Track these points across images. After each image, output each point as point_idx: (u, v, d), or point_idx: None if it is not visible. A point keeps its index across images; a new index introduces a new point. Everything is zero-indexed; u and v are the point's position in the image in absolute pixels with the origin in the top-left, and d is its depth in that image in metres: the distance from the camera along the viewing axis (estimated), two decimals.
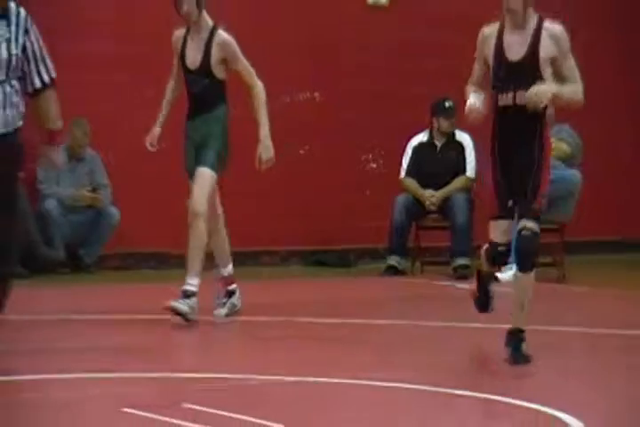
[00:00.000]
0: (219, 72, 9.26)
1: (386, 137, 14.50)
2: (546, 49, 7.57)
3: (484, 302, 8.26)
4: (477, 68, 7.84)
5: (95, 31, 14.13)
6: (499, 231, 7.66)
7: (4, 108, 7.15)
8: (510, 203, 7.62)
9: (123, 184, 13.88)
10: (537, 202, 7.63)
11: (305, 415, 6.64)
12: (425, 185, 13.65)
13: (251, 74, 9.34)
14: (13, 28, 7.14)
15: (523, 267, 7.76)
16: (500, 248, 7.66)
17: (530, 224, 7.59)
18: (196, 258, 9.40)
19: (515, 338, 7.82)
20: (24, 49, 7.21)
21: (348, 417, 6.65)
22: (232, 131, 10.15)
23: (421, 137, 13.83)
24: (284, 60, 14.71)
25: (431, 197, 13.51)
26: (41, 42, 7.36)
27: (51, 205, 13.37)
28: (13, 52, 7.08)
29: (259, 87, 9.27)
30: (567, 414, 6.40)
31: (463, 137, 13.69)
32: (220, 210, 9.63)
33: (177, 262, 13.27)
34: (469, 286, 8.37)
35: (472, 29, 13.49)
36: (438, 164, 13.72)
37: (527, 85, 7.53)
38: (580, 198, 13.38)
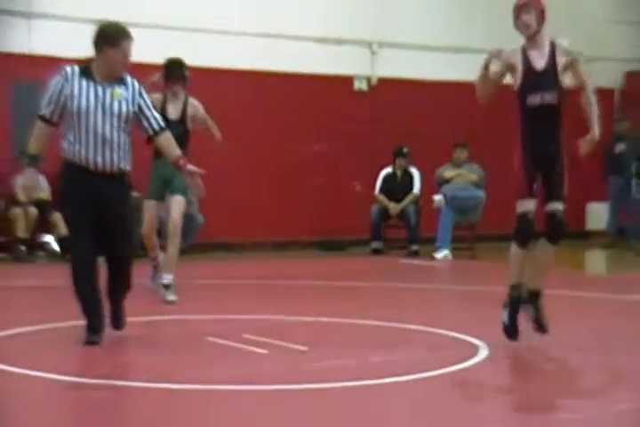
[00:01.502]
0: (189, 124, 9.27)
1: (366, 170, 15.34)
2: (560, 60, 7.03)
3: (513, 330, 7.04)
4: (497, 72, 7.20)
5: None
6: (527, 206, 7.05)
7: (124, 150, 6.93)
8: (535, 186, 7.08)
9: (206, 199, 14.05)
10: (564, 186, 7.05)
11: (325, 342, 7.15)
12: (390, 199, 14.88)
13: (213, 127, 9.61)
14: (130, 91, 7.04)
15: (555, 240, 7.07)
16: (529, 216, 6.99)
17: (559, 206, 7.03)
18: (175, 260, 9.19)
19: (536, 298, 7.09)
20: (140, 107, 7.06)
21: (349, 339, 7.33)
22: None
23: (388, 170, 15.02)
24: (303, 128, 15.46)
25: (394, 207, 14.85)
26: (149, 101, 7.19)
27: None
28: (130, 108, 6.95)
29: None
30: (473, 337, 7.11)
31: (413, 170, 14.93)
32: None
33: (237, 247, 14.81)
34: (503, 317, 7.04)
35: (423, 109, 15.12)
36: (398, 186, 14.90)
37: (550, 88, 7.01)
38: (485, 207, 14.47)
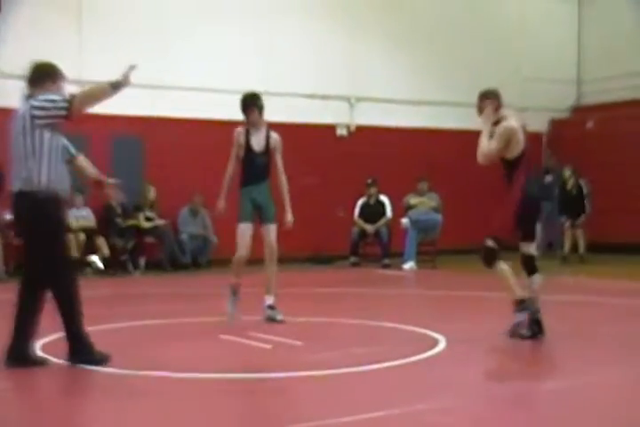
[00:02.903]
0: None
1: (347, 199, 15.12)
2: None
3: (536, 330, 6.87)
4: None
5: None
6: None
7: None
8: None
9: (217, 224, 13.88)
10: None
11: (316, 337, 7.12)
12: (366, 222, 14.76)
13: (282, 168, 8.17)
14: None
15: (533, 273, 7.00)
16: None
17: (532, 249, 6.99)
18: (274, 282, 8.13)
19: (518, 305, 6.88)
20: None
21: (335, 335, 7.25)
22: None
23: (363, 199, 14.91)
24: (296, 165, 14.34)
25: (369, 228, 14.73)
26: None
27: (184, 235, 14.16)
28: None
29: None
30: (434, 332, 7.10)
31: (384, 199, 14.80)
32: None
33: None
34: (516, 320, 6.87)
35: (392, 150, 15.20)
36: (372, 212, 14.77)
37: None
38: (442, 227, 14.43)
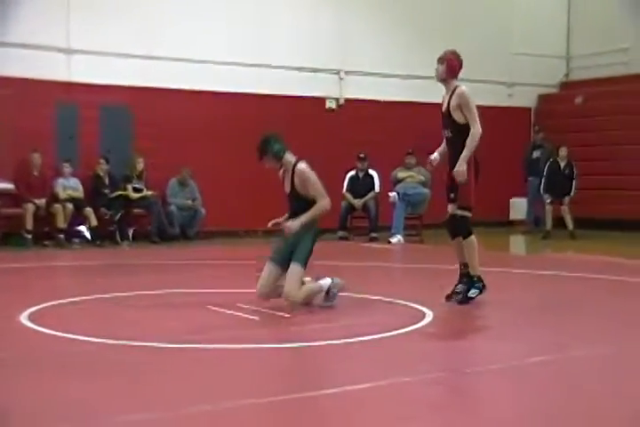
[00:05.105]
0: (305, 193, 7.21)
1: (336, 173, 14.42)
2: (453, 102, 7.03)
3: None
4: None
5: None
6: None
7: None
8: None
9: (205, 197, 14.40)
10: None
11: (304, 309, 6.97)
12: (355, 196, 14.68)
13: (321, 195, 7.26)
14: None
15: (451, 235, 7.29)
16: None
17: (458, 211, 7.18)
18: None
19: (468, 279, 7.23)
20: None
21: (323, 307, 7.10)
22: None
23: (352, 172, 14.83)
24: (286, 138, 14.71)
25: (357, 202, 14.65)
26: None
27: (173, 207, 14.11)
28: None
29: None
30: (420, 305, 7.10)
31: (373, 173, 14.75)
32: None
33: (233, 234, 14.58)
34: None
35: (381, 123, 15.21)
36: (361, 185, 14.73)
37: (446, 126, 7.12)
38: (430, 201, 14.29)
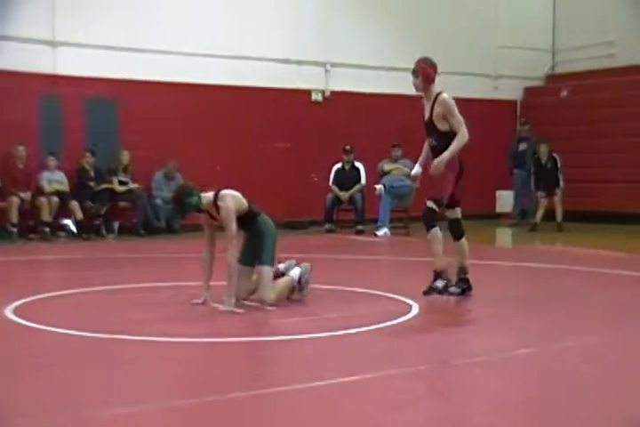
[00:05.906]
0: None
1: (322, 165, 15.09)
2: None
3: (465, 287, 7.33)
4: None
5: None
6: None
7: None
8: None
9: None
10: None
11: (289, 303, 6.98)
12: (341, 189, 14.66)
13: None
14: None
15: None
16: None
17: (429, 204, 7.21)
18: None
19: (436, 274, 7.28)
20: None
21: (308, 300, 7.13)
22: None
23: (338, 165, 14.84)
24: (271, 130, 15.28)
25: (344, 195, 14.62)
26: None
27: (158, 200, 14.02)
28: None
29: None
30: (406, 298, 7.18)
31: (359, 165, 14.75)
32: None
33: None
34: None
35: (366, 115, 15.23)
36: (347, 178, 14.72)
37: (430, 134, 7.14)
38: (416, 194, 13.28)
